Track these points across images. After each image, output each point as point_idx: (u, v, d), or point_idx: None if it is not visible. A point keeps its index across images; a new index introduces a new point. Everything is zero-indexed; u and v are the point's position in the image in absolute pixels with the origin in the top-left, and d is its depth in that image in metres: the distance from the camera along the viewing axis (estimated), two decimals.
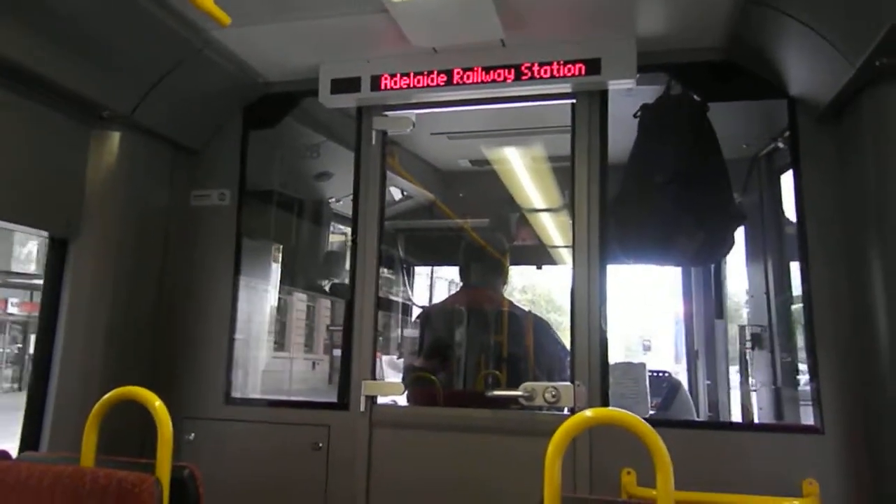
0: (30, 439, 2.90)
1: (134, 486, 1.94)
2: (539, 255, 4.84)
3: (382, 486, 3.05)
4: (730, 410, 4.15)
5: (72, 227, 3.03)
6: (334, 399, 3.22)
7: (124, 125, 3.14)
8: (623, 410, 1.79)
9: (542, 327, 3.87)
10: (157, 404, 2.09)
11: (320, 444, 3.12)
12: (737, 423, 3.85)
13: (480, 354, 3.90)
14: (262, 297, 3.96)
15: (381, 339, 3.58)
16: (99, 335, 3.05)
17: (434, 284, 5.80)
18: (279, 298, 4.89)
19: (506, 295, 4.11)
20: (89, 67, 2.82)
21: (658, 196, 3.09)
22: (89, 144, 3.11)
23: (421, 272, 5.61)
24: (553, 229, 4.80)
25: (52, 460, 2.23)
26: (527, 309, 4.01)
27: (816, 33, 2.42)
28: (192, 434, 3.28)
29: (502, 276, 4.13)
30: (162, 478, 2.01)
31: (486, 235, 4.25)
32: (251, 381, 3.80)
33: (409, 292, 5.27)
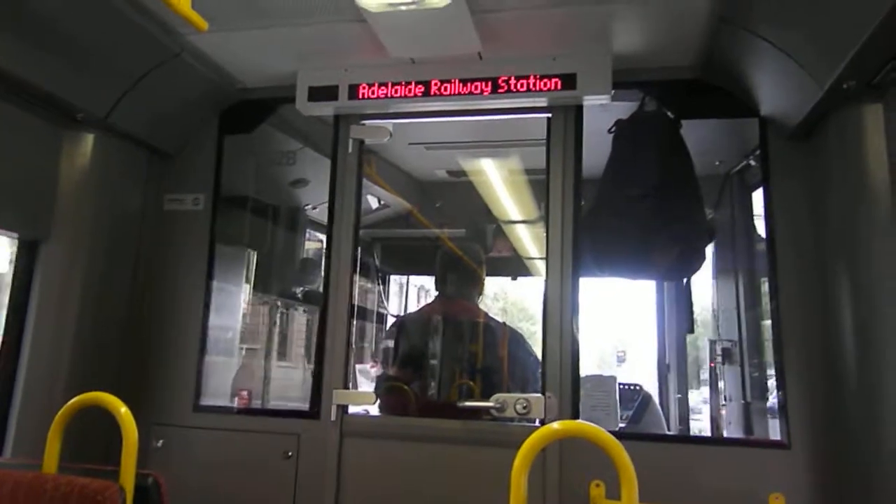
0: None
1: (96, 494, 1.92)
2: (515, 266, 4.86)
3: (352, 496, 3.03)
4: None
5: (42, 229, 2.99)
6: None
7: (98, 128, 3.11)
8: (589, 423, 1.81)
9: (516, 339, 3.87)
10: (122, 410, 2.06)
11: (290, 453, 3.10)
12: (705, 437, 3.88)
13: (455, 365, 3.90)
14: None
15: (354, 347, 3.57)
16: (67, 339, 3.01)
17: (408, 293, 5.79)
18: (281, 312, 4.88)
19: (478, 303, 4.12)
20: (64, 69, 2.79)
21: (632, 210, 3.13)
22: (62, 146, 3.08)
23: (395, 280, 5.60)
24: (529, 241, 4.82)
25: (14, 466, 2.19)
26: (501, 320, 4.02)
27: (787, 55, 2.48)
28: (161, 441, 3.24)
29: (478, 287, 4.13)
30: (126, 485, 1.98)
31: (463, 246, 4.26)
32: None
33: (385, 301, 5.26)
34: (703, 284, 4.15)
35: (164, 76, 3.07)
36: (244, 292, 4.04)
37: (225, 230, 3.57)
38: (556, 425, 1.80)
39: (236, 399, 3.83)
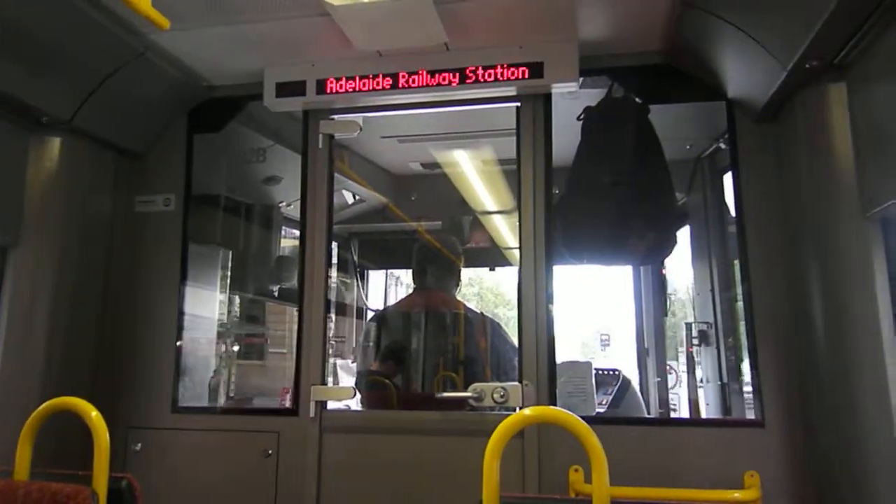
0: None
1: (68, 499, 1.90)
2: (492, 256, 4.87)
3: (333, 492, 3.03)
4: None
5: (10, 234, 2.96)
6: None
7: (64, 130, 3.08)
8: (558, 408, 1.81)
9: (495, 329, 3.89)
10: (93, 415, 2.04)
11: (270, 452, 3.09)
12: (682, 419, 3.92)
13: (435, 357, 3.91)
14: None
15: (334, 343, 3.57)
16: (40, 345, 2.98)
17: (387, 286, 5.79)
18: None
19: (456, 294, 4.12)
20: (26, 72, 2.75)
21: (604, 197, 3.14)
22: (28, 150, 3.04)
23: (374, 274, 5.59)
24: (506, 231, 4.83)
25: None
26: (478, 308, 4.03)
27: (750, 37, 2.49)
28: (140, 444, 3.22)
29: (455, 279, 4.14)
30: (98, 489, 1.96)
31: (440, 238, 4.26)
32: None
33: (364, 296, 5.25)
34: (685, 268, 4.18)
35: (128, 76, 3.04)
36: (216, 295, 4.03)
37: (198, 230, 3.54)
38: (526, 411, 1.81)
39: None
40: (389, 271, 5.76)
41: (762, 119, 2.86)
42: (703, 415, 3.79)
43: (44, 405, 2.09)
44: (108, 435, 2.02)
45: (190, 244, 3.44)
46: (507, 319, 3.96)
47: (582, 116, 3.19)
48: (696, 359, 3.88)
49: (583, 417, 1.75)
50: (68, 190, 3.12)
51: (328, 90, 3.12)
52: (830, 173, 2.49)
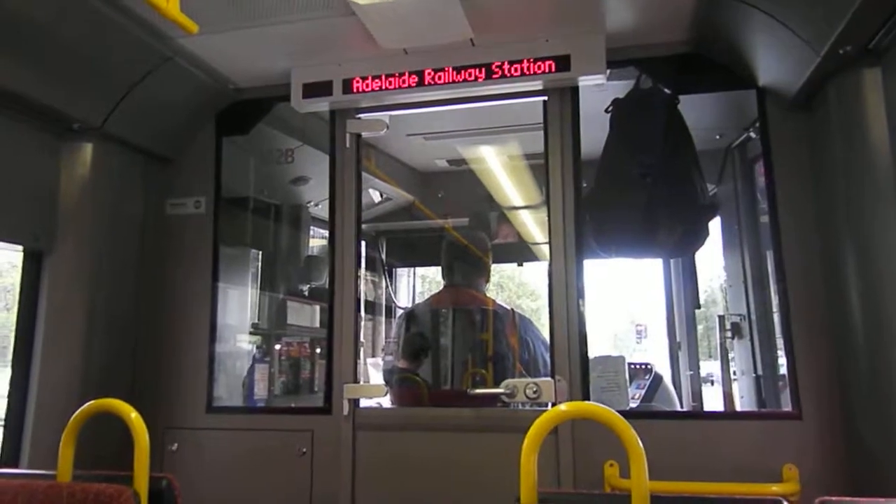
0: (9, 455, 2.88)
1: (111, 499, 1.93)
2: (520, 252, 4.85)
3: (367, 489, 3.05)
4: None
5: (45, 239, 3.01)
6: None
7: (96, 136, 3.12)
8: (595, 403, 1.81)
9: (525, 325, 3.87)
10: (132, 416, 2.07)
11: (304, 450, 3.12)
12: (717, 412, 3.87)
13: (465, 353, 3.90)
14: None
15: (364, 341, 3.58)
16: (77, 349, 3.03)
17: (415, 284, 5.79)
18: None
19: (485, 291, 4.12)
20: (57, 79, 2.80)
21: (633, 190, 3.11)
22: (61, 156, 3.09)
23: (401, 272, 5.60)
24: (533, 226, 4.81)
25: (28, 476, 2.21)
26: (509, 307, 4.02)
27: (781, 24, 2.44)
28: (175, 444, 3.27)
29: (485, 275, 4.13)
30: (139, 489, 1.99)
31: (468, 234, 4.26)
32: None
33: (392, 294, 5.27)
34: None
35: (157, 81, 3.08)
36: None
37: (228, 231, 3.58)
38: (562, 407, 1.80)
39: None
40: (410, 268, 5.76)
41: (794, 107, 2.81)
42: (738, 408, 3.74)
43: (84, 407, 2.13)
44: (147, 435, 2.05)
45: (220, 246, 3.47)
46: (531, 311, 3.94)
47: (610, 108, 3.16)
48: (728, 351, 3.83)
49: (617, 412, 1.74)
50: (100, 195, 3.17)
51: (355, 89, 3.12)
52: (866, 160, 2.45)
